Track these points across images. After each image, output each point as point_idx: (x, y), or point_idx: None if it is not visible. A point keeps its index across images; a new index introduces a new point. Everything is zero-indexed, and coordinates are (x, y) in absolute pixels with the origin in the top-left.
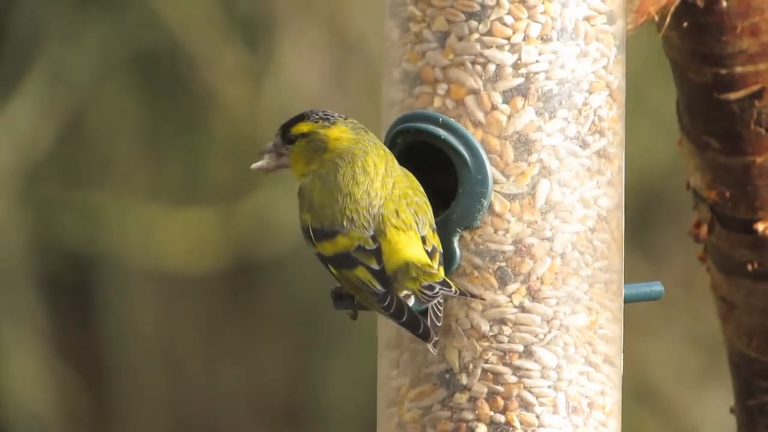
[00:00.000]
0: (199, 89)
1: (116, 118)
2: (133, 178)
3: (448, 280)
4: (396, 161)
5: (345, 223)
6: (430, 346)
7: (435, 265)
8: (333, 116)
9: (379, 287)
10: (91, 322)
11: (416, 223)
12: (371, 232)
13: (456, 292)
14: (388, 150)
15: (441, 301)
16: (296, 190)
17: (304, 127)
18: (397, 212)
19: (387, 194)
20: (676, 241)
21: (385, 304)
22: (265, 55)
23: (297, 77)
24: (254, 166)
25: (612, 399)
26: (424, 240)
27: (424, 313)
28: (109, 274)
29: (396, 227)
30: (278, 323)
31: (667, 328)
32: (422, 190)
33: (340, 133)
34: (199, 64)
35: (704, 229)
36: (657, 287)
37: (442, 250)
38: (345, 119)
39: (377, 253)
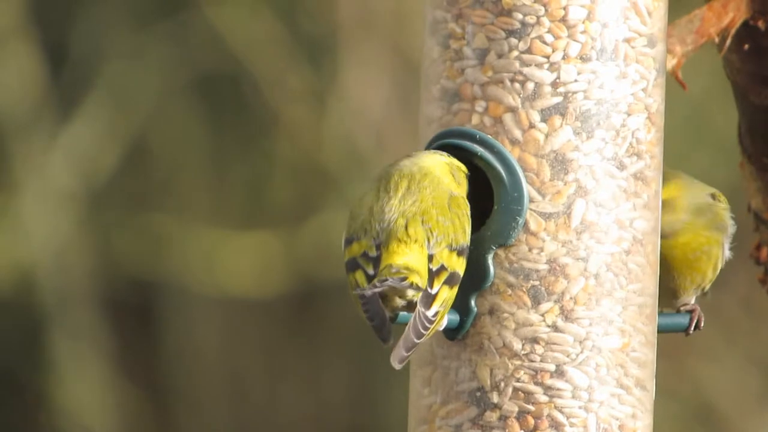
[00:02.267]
0: (262, 111)
1: (179, 141)
2: (196, 200)
3: (416, 283)
4: (441, 182)
5: (360, 234)
6: (393, 362)
7: (434, 282)
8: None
9: (367, 290)
10: (155, 345)
11: (427, 239)
12: (378, 242)
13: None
14: (434, 171)
15: (427, 316)
16: None
17: None
18: (406, 227)
19: (401, 210)
20: (737, 263)
21: (366, 305)
22: (329, 77)
23: (361, 99)
24: None
25: (643, 423)
26: (431, 258)
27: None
28: (172, 297)
29: (399, 240)
30: (341, 346)
31: (727, 350)
32: (461, 216)
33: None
34: (263, 86)
35: (765, 252)
36: (683, 320)
37: (458, 272)
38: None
39: (376, 261)
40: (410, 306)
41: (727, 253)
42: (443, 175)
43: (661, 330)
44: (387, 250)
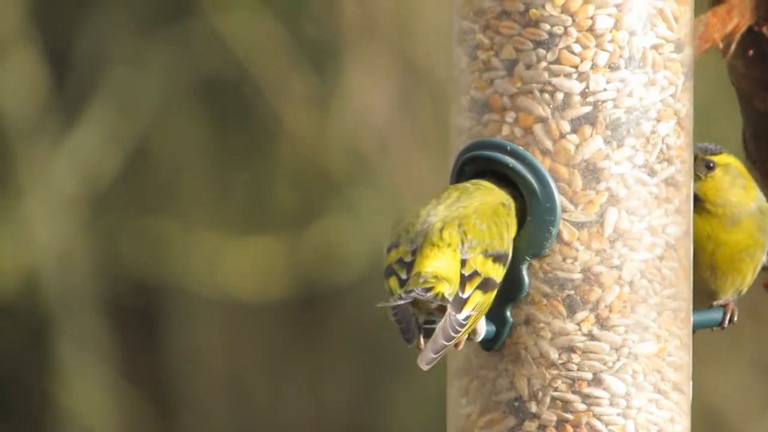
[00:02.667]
0: (265, 116)
1: (182, 145)
2: (199, 204)
3: (443, 294)
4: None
5: (400, 240)
6: (420, 364)
7: (465, 287)
8: None
9: (398, 297)
10: (157, 349)
11: (461, 242)
12: (413, 247)
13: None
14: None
15: (458, 320)
16: (360, 218)
17: None
18: (441, 230)
19: (444, 216)
20: None
21: (394, 307)
22: (332, 82)
23: (364, 104)
24: None
25: (681, 426)
26: (464, 262)
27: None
28: (174, 301)
29: (433, 244)
30: (344, 350)
31: (733, 356)
32: (500, 223)
33: None
34: (266, 91)
35: None
36: (716, 314)
37: (494, 278)
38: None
39: (409, 265)
40: (443, 310)
41: (764, 258)
42: (503, 197)
43: (696, 327)
44: (421, 254)
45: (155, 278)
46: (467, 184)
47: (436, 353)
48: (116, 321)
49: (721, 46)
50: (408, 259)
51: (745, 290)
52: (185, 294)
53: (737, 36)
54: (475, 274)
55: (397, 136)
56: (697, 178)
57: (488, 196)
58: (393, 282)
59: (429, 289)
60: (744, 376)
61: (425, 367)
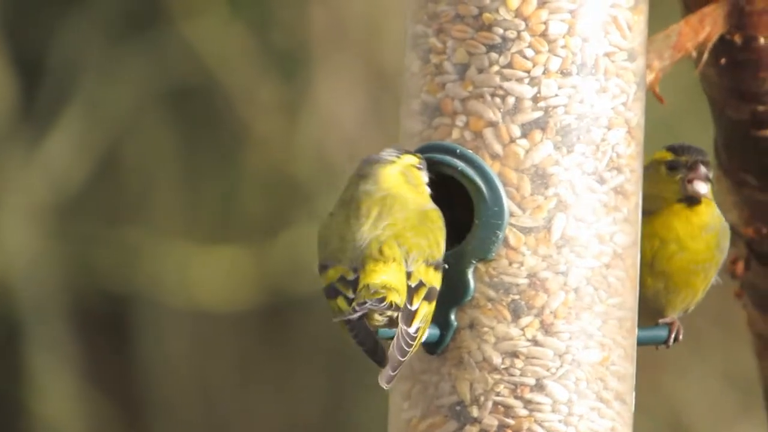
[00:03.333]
0: (234, 124)
1: (153, 154)
2: (169, 213)
3: (395, 302)
4: (407, 201)
5: (335, 259)
6: (381, 383)
7: (413, 299)
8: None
9: (349, 315)
10: (126, 357)
11: (405, 259)
12: (354, 266)
13: (385, 306)
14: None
15: (410, 333)
16: None
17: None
18: (380, 250)
19: (374, 236)
20: None
21: (353, 330)
22: (301, 90)
23: (333, 112)
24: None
25: None
26: (409, 275)
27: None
28: (144, 310)
29: (376, 260)
30: (312, 359)
31: (702, 366)
32: (434, 230)
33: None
34: (235, 99)
35: (741, 266)
36: (662, 332)
37: (435, 287)
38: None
39: (354, 284)
40: (391, 322)
41: (716, 278)
42: (405, 190)
43: (641, 343)
44: (364, 271)
45: (125, 286)
46: (376, 192)
47: (395, 370)
48: (87, 329)
49: (694, 55)
50: (350, 277)
51: (691, 309)
52: (155, 302)
53: (709, 45)
54: (421, 284)
55: (365, 144)
56: (710, 181)
57: (405, 206)
58: (341, 302)
59: (382, 299)
60: (713, 386)
61: (387, 386)
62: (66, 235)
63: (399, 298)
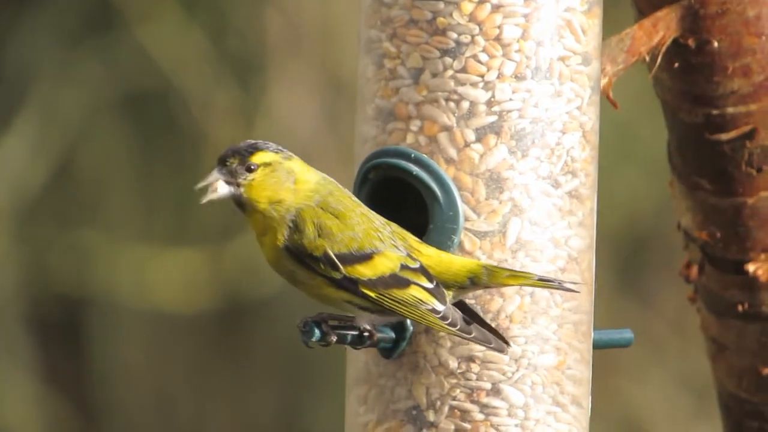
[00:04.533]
0: (190, 128)
1: (108, 158)
2: (125, 217)
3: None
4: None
5: (377, 244)
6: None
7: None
8: (285, 150)
9: (438, 305)
10: (82, 360)
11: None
12: (404, 252)
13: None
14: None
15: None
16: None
17: (265, 157)
18: (401, 231)
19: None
20: (667, 282)
21: (449, 321)
22: (256, 96)
23: (289, 118)
24: (211, 197)
25: None
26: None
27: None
28: (100, 313)
29: (418, 242)
30: (267, 362)
31: (657, 369)
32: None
33: (301, 166)
34: (191, 105)
35: (694, 270)
36: (627, 334)
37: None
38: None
39: (424, 271)
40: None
41: None
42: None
43: (600, 346)
44: (423, 256)
45: (81, 290)
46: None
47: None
48: (42, 333)
49: (647, 59)
50: (413, 264)
51: None
52: (110, 306)
53: (663, 48)
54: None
55: (321, 150)
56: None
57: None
58: (416, 291)
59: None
60: (669, 389)
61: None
62: (21, 239)
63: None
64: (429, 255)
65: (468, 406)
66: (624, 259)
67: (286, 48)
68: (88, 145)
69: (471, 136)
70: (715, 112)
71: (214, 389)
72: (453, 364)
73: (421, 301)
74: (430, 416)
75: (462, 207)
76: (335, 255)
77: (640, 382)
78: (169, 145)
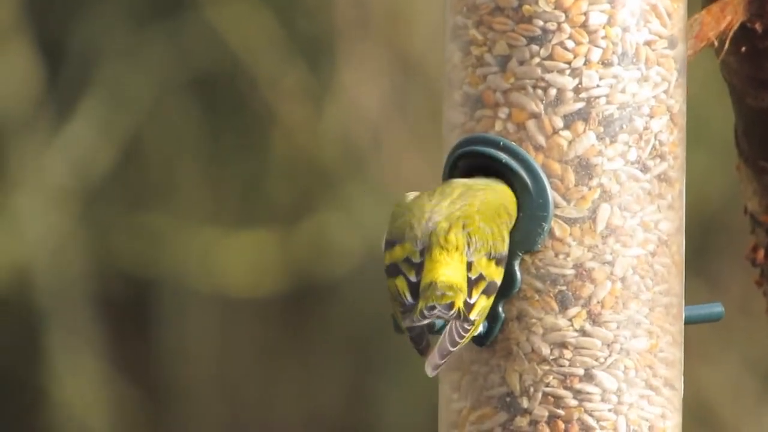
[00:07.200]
0: (259, 110)
1: (176, 140)
2: (193, 199)
3: (461, 309)
4: (499, 194)
5: (402, 235)
6: (427, 370)
7: (472, 292)
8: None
9: (409, 298)
10: (150, 343)
11: (467, 245)
12: (421, 247)
13: (454, 314)
14: (500, 187)
15: (464, 325)
16: (352, 212)
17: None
18: (447, 231)
19: (448, 213)
20: (734, 265)
21: (406, 314)
22: (326, 76)
23: (358, 98)
24: None
25: (672, 422)
26: (470, 265)
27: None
28: (168, 296)
29: (441, 247)
30: (336, 346)
31: (724, 352)
32: (503, 222)
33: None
34: (260, 85)
35: (761, 254)
36: (717, 308)
37: (496, 281)
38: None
39: (419, 267)
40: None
41: None
42: (508, 200)
43: (690, 322)
44: (430, 258)
45: (148, 272)
46: (477, 182)
47: (443, 359)
48: (109, 315)
49: (715, 44)
50: (416, 259)
51: None
52: (178, 288)
53: (730, 33)
54: (481, 277)
55: (390, 130)
56: None
57: (492, 195)
58: (400, 283)
59: (450, 306)
60: (736, 372)
61: (432, 374)
62: (89, 220)
63: (463, 297)
64: (440, 262)
65: (561, 392)
66: (692, 243)
67: (355, 29)
68: (156, 126)
69: (559, 123)
70: None
71: (281, 373)
72: (545, 350)
73: (399, 292)
74: (524, 403)
75: (552, 194)
76: (385, 240)
77: (707, 365)
78: (238, 126)
